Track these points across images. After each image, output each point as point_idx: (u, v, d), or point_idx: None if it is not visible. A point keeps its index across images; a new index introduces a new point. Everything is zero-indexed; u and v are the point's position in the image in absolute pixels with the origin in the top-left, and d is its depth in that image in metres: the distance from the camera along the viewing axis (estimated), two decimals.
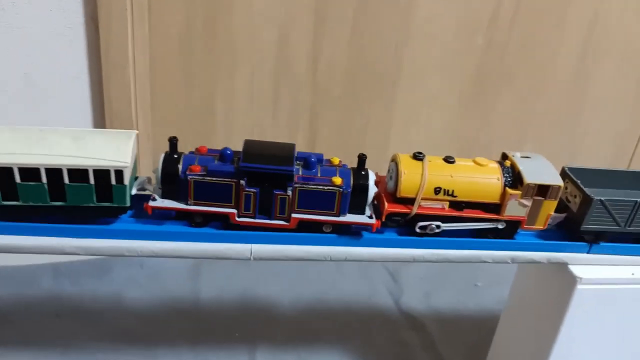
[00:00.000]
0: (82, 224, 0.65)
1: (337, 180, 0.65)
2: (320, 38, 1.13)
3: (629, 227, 0.68)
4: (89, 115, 1.09)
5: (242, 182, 0.63)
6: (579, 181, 0.68)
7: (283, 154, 0.65)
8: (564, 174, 0.70)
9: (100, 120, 1.09)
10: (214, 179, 0.64)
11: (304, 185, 0.64)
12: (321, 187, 0.64)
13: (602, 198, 0.65)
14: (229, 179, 0.64)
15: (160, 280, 1.16)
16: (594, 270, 0.71)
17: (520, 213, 0.66)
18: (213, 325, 1.06)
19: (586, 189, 0.66)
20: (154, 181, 0.69)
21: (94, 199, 0.63)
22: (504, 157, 0.70)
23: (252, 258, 0.66)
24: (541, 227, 0.68)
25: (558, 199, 0.66)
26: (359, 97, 1.21)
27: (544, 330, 0.75)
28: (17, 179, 0.61)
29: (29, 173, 0.61)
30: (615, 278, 0.71)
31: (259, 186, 0.64)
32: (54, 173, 0.61)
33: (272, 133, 1.20)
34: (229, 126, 1.18)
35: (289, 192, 0.64)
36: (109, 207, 0.64)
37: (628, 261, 0.72)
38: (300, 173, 0.65)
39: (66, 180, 0.61)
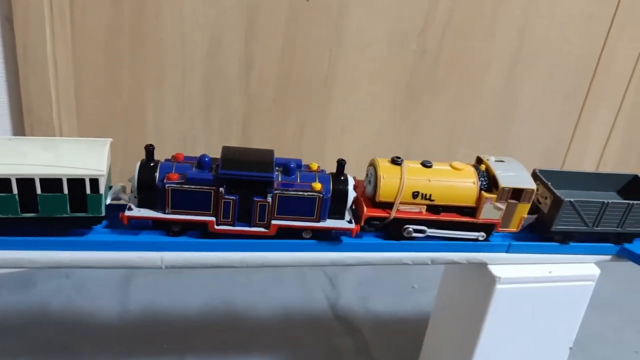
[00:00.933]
0: (54, 235, 0.63)
1: (317, 185, 0.65)
2: (252, 44, 1.12)
3: (596, 227, 0.70)
4: (8, 121, 1.04)
5: (221, 189, 0.63)
6: (549, 183, 0.70)
7: (262, 160, 0.64)
8: (534, 176, 0.72)
9: (19, 125, 1.04)
10: (192, 186, 0.63)
11: (284, 192, 0.64)
12: (301, 193, 0.64)
13: (572, 199, 0.67)
14: (208, 187, 0.63)
15: (88, 292, 1.12)
16: (513, 269, 0.72)
17: (495, 216, 0.68)
18: (141, 337, 1.03)
19: (556, 191, 0.68)
20: (129, 190, 0.68)
21: (68, 209, 0.61)
22: (479, 161, 0.71)
23: (163, 266, 0.64)
24: (515, 230, 0.70)
25: (531, 202, 0.68)
26: (293, 104, 1.21)
27: (467, 330, 0.77)
28: None
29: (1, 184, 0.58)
30: (533, 277, 0.72)
31: (238, 193, 0.64)
32: (25, 183, 0.59)
33: (204, 140, 1.19)
34: (160, 133, 1.15)
35: (269, 199, 0.64)
36: (83, 218, 0.62)
37: (545, 260, 0.74)
38: (280, 179, 0.65)
39: (38, 190, 0.59)
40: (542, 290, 0.74)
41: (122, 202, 0.67)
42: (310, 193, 0.64)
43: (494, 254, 0.72)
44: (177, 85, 1.11)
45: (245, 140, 1.21)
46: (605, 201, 0.68)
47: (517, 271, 0.72)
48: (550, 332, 0.79)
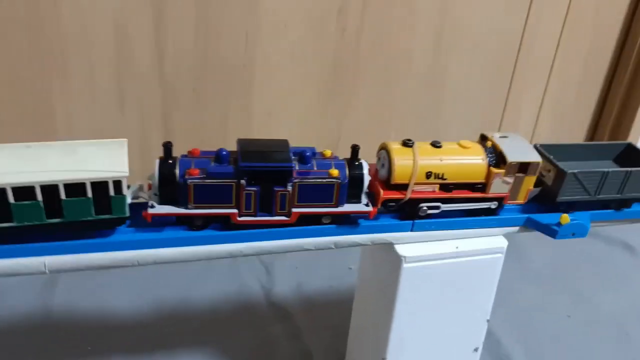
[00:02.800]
0: (80, 239, 0.63)
1: (334, 172, 0.67)
2: (162, 31, 1.08)
3: (598, 195, 0.74)
4: None
5: (242, 181, 0.64)
6: (551, 157, 0.73)
7: (280, 150, 0.66)
8: (536, 151, 0.76)
9: None
10: (214, 180, 0.64)
11: (303, 180, 0.66)
12: (320, 180, 0.66)
13: (575, 171, 0.71)
14: (229, 180, 0.64)
15: (9, 295, 1.08)
16: (419, 247, 0.72)
17: (504, 190, 0.71)
18: (64, 339, 1.00)
19: (559, 163, 0.72)
20: (146, 188, 0.68)
21: (93, 212, 0.62)
22: (483, 138, 0.74)
23: (47, 271, 0.63)
24: (522, 202, 0.73)
25: (537, 174, 0.71)
26: (214, 92, 1.18)
27: (382, 310, 0.77)
28: (11, 199, 0.58)
29: (24, 192, 0.58)
30: (440, 253, 0.72)
31: (259, 184, 0.65)
32: (49, 190, 0.59)
33: (122, 133, 1.07)
34: (72, 128, 1.12)
35: (289, 188, 0.65)
36: (107, 219, 0.63)
37: (452, 235, 0.74)
38: (298, 168, 0.66)
39: (63, 196, 0.60)
40: (451, 266, 0.74)
41: (141, 200, 0.67)
42: (329, 180, 0.66)
43: (399, 233, 0.72)
44: (84, 77, 1.07)
45: (167, 132, 1.18)
46: (606, 170, 0.71)
47: (423, 249, 0.72)
48: (465, 306, 0.79)
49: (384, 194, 0.69)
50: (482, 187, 0.71)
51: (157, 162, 0.65)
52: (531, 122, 1.57)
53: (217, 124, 1.21)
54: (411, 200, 0.70)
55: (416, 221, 0.71)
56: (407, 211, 0.71)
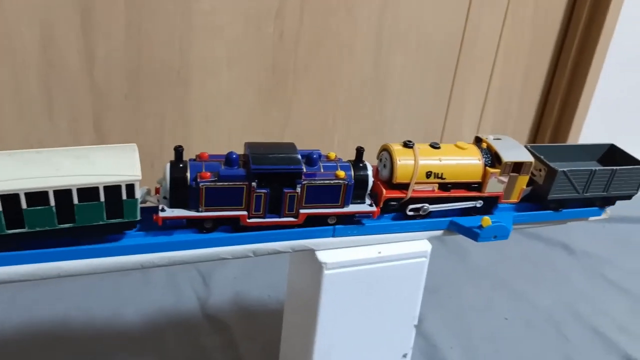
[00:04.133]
0: (90, 244, 0.63)
1: (341, 173, 0.69)
2: (91, 35, 1.05)
3: (585, 193, 0.79)
4: None
5: (253, 184, 0.65)
6: (542, 156, 0.77)
7: (289, 153, 0.67)
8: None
9: None
10: (226, 183, 0.65)
11: (312, 182, 0.68)
12: (327, 181, 0.68)
13: (565, 169, 0.75)
14: (240, 182, 0.65)
15: None
16: (341, 253, 0.71)
17: (499, 189, 0.75)
18: None
19: (550, 163, 0.76)
20: (153, 192, 0.69)
21: (104, 216, 0.62)
22: (478, 140, 0.78)
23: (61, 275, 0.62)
24: (516, 200, 0.77)
25: (530, 174, 0.75)
26: (148, 97, 1.15)
27: (307, 318, 0.75)
28: (24, 204, 0.58)
29: (37, 197, 0.58)
30: (362, 259, 0.71)
31: (268, 187, 0.66)
32: (62, 195, 0.59)
33: (52, 140, 1.11)
34: None
35: (298, 189, 0.67)
36: (119, 223, 0.63)
37: (374, 240, 0.73)
38: (305, 170, 0.68)
39: (75, 200, 0.60)
40: (374, 271, 0.73)
41: (148, 204, 0.68)
42: (336, 181, 0.68)
43: (320, 239, 0.71)
44: (9, 84, 1.03)
45: (98, 139, 1.15)
46: (593, 169, 0.76)
47: (345, 255, 0.71)
48: (391, 312, 0.78)
49: (386, 193, 0.72)
50: (478, 186, 0.75)
51: (167, 166, 0.65)
52: (475, 119, 1.59)
53: (153, 130, 1.18)
54: (412, 199, 0.73)
55: (337, 227, 0.71)
56: (406, 211, 0.74)
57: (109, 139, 1.15)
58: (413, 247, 0.74)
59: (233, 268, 1.23)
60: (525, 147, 0.79)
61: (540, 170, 0.77)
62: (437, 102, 1.50)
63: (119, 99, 1.12)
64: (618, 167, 0.77)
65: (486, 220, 0.73)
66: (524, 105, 1.66)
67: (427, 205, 0.73)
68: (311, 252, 0.71)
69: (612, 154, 0.85)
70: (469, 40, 1.43)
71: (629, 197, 0.82)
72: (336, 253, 0.71)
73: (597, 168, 0.76)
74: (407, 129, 1.47)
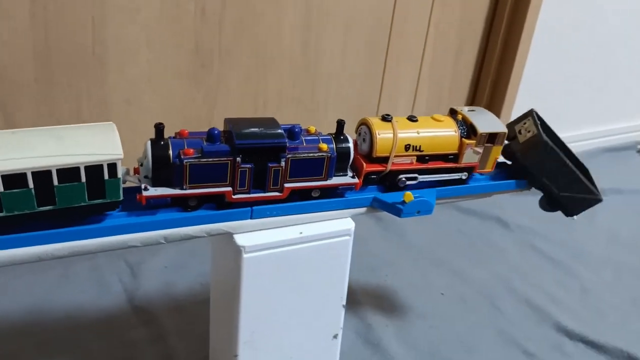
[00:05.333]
0: (73, 225, 0.61)
1: (324, 146, 0.69)
2: None
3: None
4: None
5: (237, 159, 0.65)
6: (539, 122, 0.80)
7: (272, 127, 0.67)
8: (530, 114, 0.82)
9: None
10: (210, 159, 0.64)
11: (296, 155, 0.68)
12: (312, 154, 0.68)
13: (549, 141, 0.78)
14: (225, 158, 0.65)
15: None
16: (260, 235, 0.68)
17: (474, 159, 0.77)
18: None
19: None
20: (132, 172, 0.67)
21: (86, 197, 0.60)
22: (453, 112, 0.79)
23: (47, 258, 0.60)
24: (490, 170, 0.80)
25: (503, 144, 0.78)
26: (61, 81, 1.08)
27: (231, 303, 0.71)
28: (0, 188, 0.55)
29: (14, 180, 0.56)
30: (283, 240, 0.68)
31: (253, 161, 0.66)
32: (41, 176, 0.57)
33: None
34: None
35: (282, 163, 0.67)
36: (101, 204, 0.61)
37: (294, 220, 0.70)
38: (288, 144, 0.68)
39: (55, 182, 0.57)
40: (296, 253, 0.70)
41: (128, 184, 0.66)
42: (320, 154, 0.69)
43: (238, 222, 0.67)
44: None
45: (9, 127, 1.06)
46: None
47: (264, 237, 0.68)
48: (317, 293, 0.75)
49: (366, 167, 0.73)
50: (455, 157, 0.77)
51: (148, 144, 0.64)
52: (410, 95, 1.58)
53: (70, 116, 1.11)
54: (391, 172, 0.74)
55: (254, 208, 0.68)
56: (387, 183, 0.75)
57: (20, 125, 1.06)
58: (336, 225, 0.72)
59: (164, 257, 1.18)
60: (532, 111, 0.80)
61: (529, 132, 0.79)
62: (370, 83, 1.48)
63: (28, 84, 1.04)
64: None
65: (408, 195, 0.72)
66: (457, 82, 1.67)
67: (404, 177, 0.74)
68: (229, 235, 0.67)
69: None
70: (399, 19, 1.42)
71: None
72: (255, 235, 0.68)
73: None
74: (341, 110, 1.45)
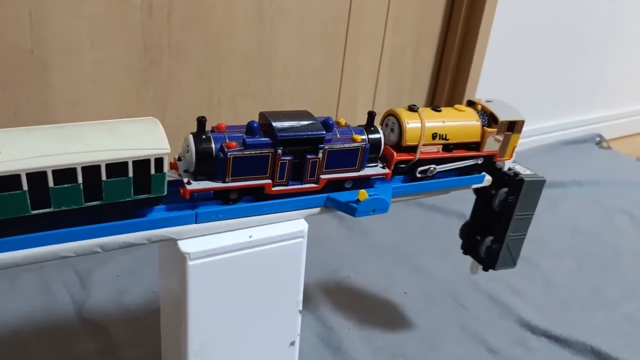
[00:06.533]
0: (116, 220, 0.60)
1: (358, 137, 0.70)
2: None
3: None
4: None
5: (279, 151, 0.65)
6: None
7: (309, 120, 0.68)
8: None
9: None
10: (252, 152, 0.64)
11: (332, 147, 0.69)
12: (347, 145, 0.69)
13: None
14: (267, 150, 0.65)
15: None
16: (206, 241, 0.64)
17: (495, 147, 0.80)
18: None
19: None
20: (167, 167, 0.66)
21: (132, 192, 0.59)
22: (471, 103, 0.82)
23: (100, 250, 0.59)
24: (508, 159, 0.83)
25: (521, 132, 0.81)
26: (2, 86, 1.03)
27: (178, 312, 0.67)
28: (51, 183, 0.54)
29: (64, 175, 0.54)
30: (231, 245, 0.64)
31: (292, 154, 0.67)
32: (90, 171, 0.56)
33: None
34: None
35: (320, 155, 0.68)
36: (146, 199, 0.60)
37: (243, 224, 0.67)
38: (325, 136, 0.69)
39: (104, 176, 0.57)
40: (246, 258, 0.66)
41: (169, 178, 0.65)
42: (354, 145, 0.70)
43: (182, 227, 0.63)
44: None
45: None
46: None
47: (211, 242, 0.64)
48: (271, 299, 0.71)
49: (396, 156, 0.74)
50: (476, 146, 0.79)
51: (190, 137, 0.63)
52: (370, 90, 1.57)
53: (7, 120, 1.05)
54: (419, 160, 0.76)
55: (199, 211, 0.64)
56: (414, 172, 0.77)
57: None
58: (288, 227, 0.68)
59: (115, 265, 1.14)
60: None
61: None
62: (329, 78, 1.45)
63: None
64: None
65: (363, 193, 0.70)
66: (418, 75, 1.67)
67: (434, 166, 0.76)
68: (173, 242, 0.63)
69: None
70: (356, 13, 1.40)
71: None
72: (201, 241, 0.63)
73: None
74: (299, 106, 1.39)
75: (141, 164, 0.58)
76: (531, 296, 1.19)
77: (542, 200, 0.86)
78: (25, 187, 0.53)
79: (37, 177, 0.53)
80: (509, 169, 0.85)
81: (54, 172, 0.54)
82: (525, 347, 1.04)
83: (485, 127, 0.78)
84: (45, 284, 1.08)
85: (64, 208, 0.56)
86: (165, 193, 0.61)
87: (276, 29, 1.30)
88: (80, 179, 0.55)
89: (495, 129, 0.78)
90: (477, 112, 0.79)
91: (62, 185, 0.55)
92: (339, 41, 1.43)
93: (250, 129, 0.66)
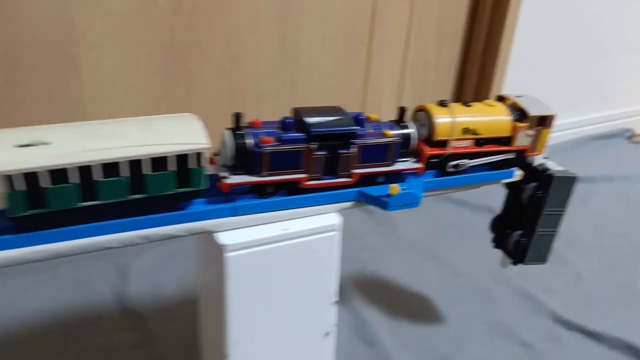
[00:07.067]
0: (159, 213, 0.63)
1: (389, 133, 0.71)
2: None
3: None
4: None
5: (313, 146, 0.67)
6: None
7: (342, 115, 0.69)
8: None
9: None
10: (288, 147, 0.66)
11: (365, 142, 0.70)
12: (379, 140, 0.71)
13: None
14: (301, 145, 0.67)
15: None
16: (243, 233, 0.66)
17: (526, 142, 0.80)
18: None
19: None
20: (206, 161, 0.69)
21: (173, 185, 0.61)
22: (501, 98, 0.82)
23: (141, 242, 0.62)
24: (539, 153, 0.83)
25: (552, 127, 0.81)
26: (28, 80, 1.07)
27: (217, 306, 0.70)
28: (97, 176, 0.57)
29: (109, 168, 0.57)
30: (267, 237, 0.66)
31: (325, 149, 0.68)
32: (134, 165, 0.58)
33: None
34: None
35: (352, 150, 0.69)
36: (186, 192, 0.63)
37: (279, 217, 0.69)
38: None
39: (146, 170, 0.59)
40: (281, 250, 0.68)
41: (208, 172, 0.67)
42: (386, 140, 0.71)
43: (219, 219, 0.65)
44: None
45: None
46: None
47: (247, 234, 0.66)
48: (306, 290, 0.73)
49: (428, 151, 0.75)
50: (507, 140, 0.80)
51: (227, 133, 0.65)
52: (395, 84, 1.58)
53: (39, 117, 1.09)
54: (450, 155, 0.77)
55: (237, 204, 0.66)
56: (444, 166, 0.78)
57: None
58: (321, 221, 0.70)
59: (152, 257, 1.18)
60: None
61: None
62: (354, 76, 1.45)
63: None
64: None
65: (394, 188, 0.71)
66: (443, 70, 1.67)
67: (466, 160, 0.77)
68: (211, 234, 0.66)
69: None
70: (381, 8, 1.40)
71: None
72: (238, 233, 0.66)
73: None
74: (322, 99, 1.42)
75: (182, 159, 0.60)
76: (562, 291, 1.19)
77: (572, 195, 0.86)
78: (73, 180, 0.55)
79: (84, 171, 0.56)
80: (540, 164, 0.85)
81: (101, 165, 0.56)
82: (558, 342, 1.04)
83: (515, 122, 0.79)
84: (84, 276, 1.12)
85: (109, 201, 0.58)
86: (204, 187, 0.64)
87: (299, 27, 1.32)
88: (124, 173, 0.58)
89: (526, 124, 0.78)
90: (508, 107, 0.80)
91: (108, 179, 0.57)
92: (363, 37, 1.43)
93: (284, 124, 0.67)
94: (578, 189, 1.54)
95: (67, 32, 1.05)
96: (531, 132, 0.79)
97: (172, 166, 0.60)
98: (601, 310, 1.13)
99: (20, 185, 0.54)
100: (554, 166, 0.84)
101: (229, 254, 0.64)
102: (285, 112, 1.34)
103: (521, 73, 1.76)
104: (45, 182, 0.54)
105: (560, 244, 1.30)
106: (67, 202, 0.56)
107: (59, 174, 0.55)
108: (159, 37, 1.15)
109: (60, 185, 0.55)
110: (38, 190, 0.55)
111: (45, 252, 0.59)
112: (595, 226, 1.48)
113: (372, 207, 0.73)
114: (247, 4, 1.22)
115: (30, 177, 0.54)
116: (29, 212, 0.55)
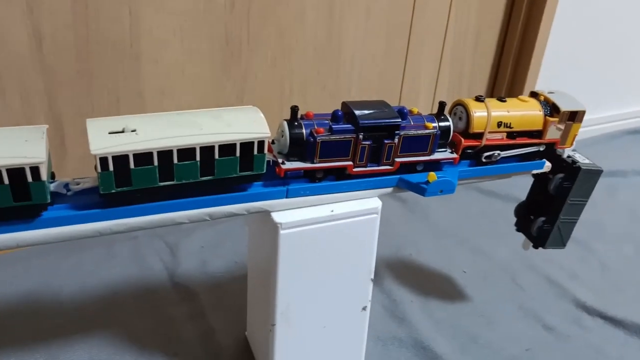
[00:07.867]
0: (223, 193, 0.71)
1: (430, 125, 0.78)
2: (37, 12, 1.03)
3: None
4: None
5: (360, 136, 0.74)
6: None
7: (386, 108, 0.76)
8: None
9: None
10: (338, 137, 0.73)
11: (407, 133, 0.77)
12: (421, 132, 0.77)
13: None
14: (350, 135, 0.74)
15: None
16: (295, 213, 0.73)
17: (556, 136, 0.86)
18: None
19: None
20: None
21: (238, 169, 0.69)
22: (534, 94, 0.88)
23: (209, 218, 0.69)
24: (569, 146, 0.89)
25: (582, 121, 0.86)
26: (100, 73, 1.15)
27: (267, 279, 0.78)
28: (175, 159, 0.65)
29: (185, 153, 0.65)
30: (316, 217, 0.74)
31: (371, 139, 0.75)
32: (206, 150, 0.66)
33: (5, 120, 1.09)
34: None
35: (395, 140, 0.76)
36: (249, 176, 0.71)
37: (326, 200, 0.76)
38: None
39: (216, 155, 0.67)
40: (328, 229, 0.75)
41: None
42: (427, 131, 0.78)
43: (274, 200, 0.73)
44: None
45: (53, 117, 1.14)
46: None
47: (299, 215, 0.73)
48: (347, 267, 0.80)
49: (464, 142, 0.82)
50: (538, 134, 0.86)
51: (285, 124, 0.73)
52: (432, 77, 1.63)
53: (108, 106, 1.18)
54: (485, 146, 0.83)
55: (290, 187, 0.73)
56: (480, 157, 0.84)
57: (64, 116, 1.14)
58: (364, 204, 0.77)
59: (199, 238, 1.27)
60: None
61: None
62: (393, 66, 1.52)
63: (70, 76, 1.12)
64: None
65: (432, 175, 0.77)
66: (478, 63, 1.71)
67: (499, 151, 0.83)
68: (266, 213, 0.73)
69: None
70: (420, 2, 1.46)
71: None
72: (291, 213, 0.73)
73: None
74: (364, 94, 1.50)
75: (247, 146, 0.68)
76: (587, 279, 1.24)
77: (602, 187, 0.91)
78: (155, 163, 0.64)
79: (165, 155, 0.64)
80: (568, 157, 0.90)
81: (178, 151, 0.65)
82: (580, 326, 1.09)
83: (547, 117, 0.84)
84: (139, 253, 1.21)
85: (183, 181, 0.67)
86: (265, 171, 0.72)
87: (345, 20, 1.39)
88: (198, 157, 0.66)
89: (557, 119, 0.84)
90: (540, 103, 0.85)
91: (184, 162, 0.66)
92: (404, 31, 1.49)
93: (335, 117, 0.75)
94: (608, 182, 1.59)
95: (135, 29, 1.14)
96: (561, 126, 0.85)
97: (238, 152, 0.68)
98: (625, 298, 1.18)
99: (112, 167, 0.62)
100: (581, 159, 0.89)
101: (283, 232, 0.72)
102: (329, 102, 1.48)
103: (556, 66, 1.79)
104: (132, 164, 0.63)
105: (588, 234, 1.35)
106: (149, 181, 0.65)
107: (144, 157, 0.63)
108: (217, 33, 1.23)
109: (144, 167, 0.64)
110: (126, 171, 0.63)
111: (125, 225, 0.68)
112: (623, 218, 1.52)
113: (406, 197, 0.80)
114: (297, 0, 1.29)
115: (120, 159, 0.62)
116: (116, 190, 0.64)
